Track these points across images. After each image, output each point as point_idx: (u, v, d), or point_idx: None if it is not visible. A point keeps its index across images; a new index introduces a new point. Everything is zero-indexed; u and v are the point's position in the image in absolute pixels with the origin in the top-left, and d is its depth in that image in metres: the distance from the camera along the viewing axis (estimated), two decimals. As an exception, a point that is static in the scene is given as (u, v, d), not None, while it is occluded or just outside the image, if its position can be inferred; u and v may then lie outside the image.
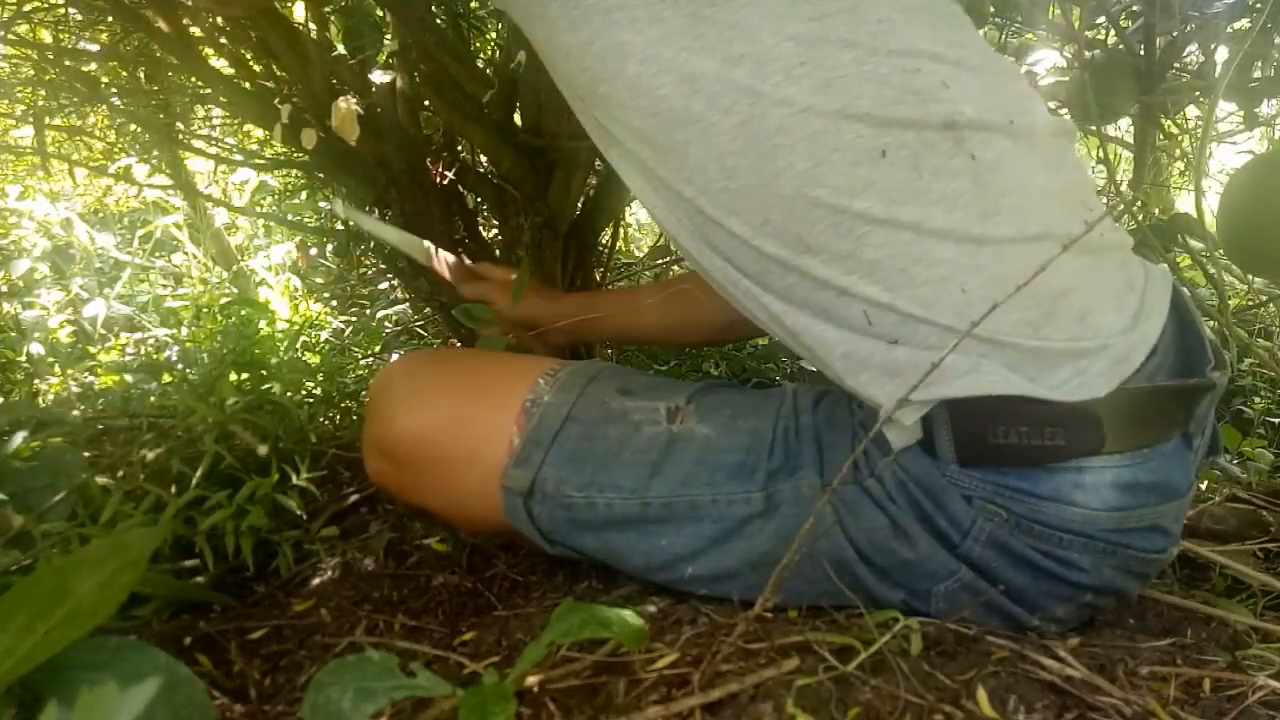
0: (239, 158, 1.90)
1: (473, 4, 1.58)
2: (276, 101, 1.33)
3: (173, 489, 0.94)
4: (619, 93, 0.73)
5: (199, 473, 0.92)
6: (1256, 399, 1.98)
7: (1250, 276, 1.73)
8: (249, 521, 0.89)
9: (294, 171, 2.12)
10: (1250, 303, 2.13)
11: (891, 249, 0.68)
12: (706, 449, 0.80)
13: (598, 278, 1.69)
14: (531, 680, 0.65)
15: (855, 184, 0.68)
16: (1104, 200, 2.60)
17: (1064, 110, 1.66)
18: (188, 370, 1.26)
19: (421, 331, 2.19)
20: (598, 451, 0.82)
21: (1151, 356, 0.71)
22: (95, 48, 1.63)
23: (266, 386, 1.12)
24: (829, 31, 0.69)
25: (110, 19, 1.51)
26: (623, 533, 0.81)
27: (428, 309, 1.99)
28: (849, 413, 0.79)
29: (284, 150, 1.83)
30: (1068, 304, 0.69)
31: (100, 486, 0.88)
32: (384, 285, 2.34)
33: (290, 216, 2.42)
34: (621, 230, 2.45)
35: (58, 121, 1.90)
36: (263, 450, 0.97)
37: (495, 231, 1.70)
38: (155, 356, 2.02)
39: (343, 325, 2.12)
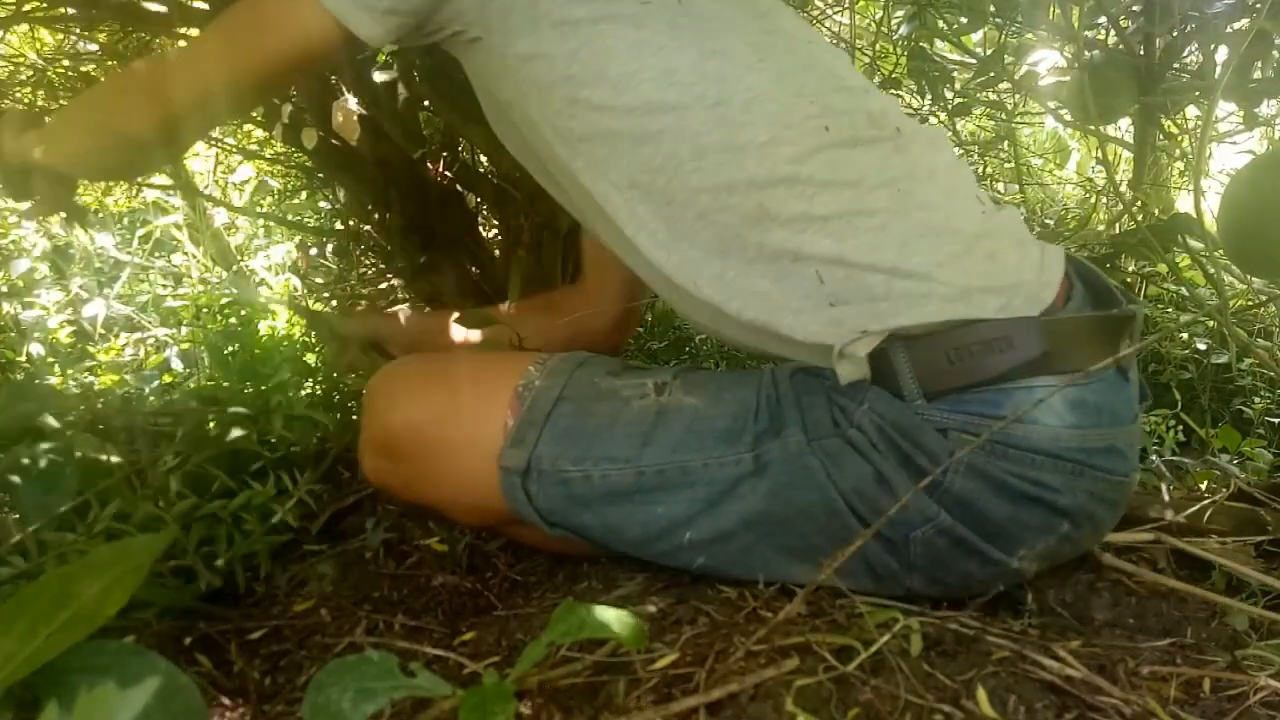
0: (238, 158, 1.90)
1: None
2: (276, 101, 1.33)
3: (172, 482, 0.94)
4: (600, 94, 0.81)
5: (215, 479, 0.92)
6: (1256, 399, 1.98)
7: (1250, 276, 1.73)
8: (244, 547, 0.89)
9: (294, 171, 2.12)
10: (1250, 303, 2.13)
11: (839, 204, 0.79)
12: (695, 417, 0.84)
13: (598, 278, 1.69)
14: (531, 680, 0.65)
15: (805, 152, 0.79)
16: (1102, 200, 2.60)
17: (1064, 110, 1.66)
18: (191, 375, 1.26)
19: (421, 331, 2.18)
20: (590, 427, 0.85)
21: (1070, 299, 0.82)
22: (94, 47, 1.63)
23: (267, 388, 1.12)
24: (775, 42, 0.84)
25: (110, 19, 1.51)
26: (619, 505, 0.83)
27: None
28: (820, 381, 0.83)
29: (284, 150, 1.83)
30: (980, 246, 0.80)
31: (98, 494, 0.87)
32: (384, 285, 2.34)
33: (290, 216, 2.42)
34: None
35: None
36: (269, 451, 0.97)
37: (495, 231, 1.71)
38: (155, 356, 2.02)
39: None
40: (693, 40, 0.81)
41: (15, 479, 0.80)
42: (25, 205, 1.00)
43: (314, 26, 0.83)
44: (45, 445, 0.84)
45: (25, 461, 0.81)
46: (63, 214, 1.03)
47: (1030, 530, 0.77)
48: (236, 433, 0.97)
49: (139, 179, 1.32)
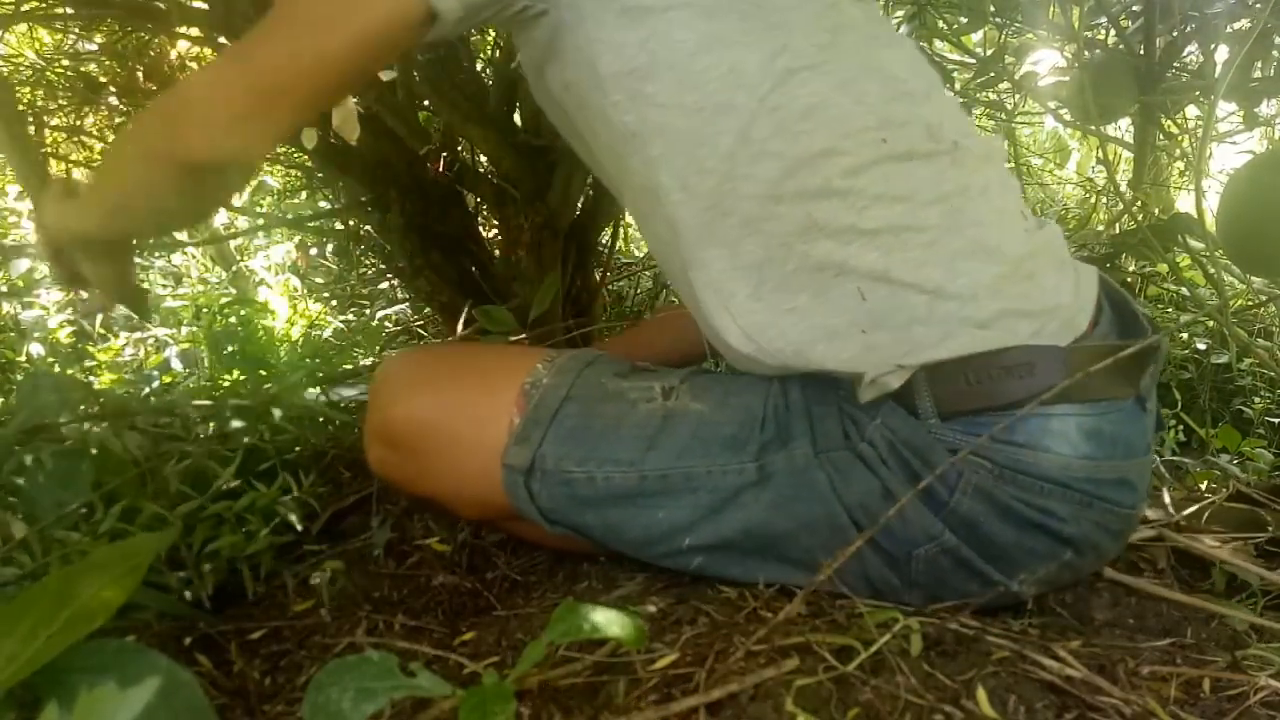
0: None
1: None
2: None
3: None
4: (665, 90, 0.77)
5: (212, 485, 0.92)
6: (1256, 399, 1.98)
7: (1250, 276, 1.73)
8: (251, 546, 0.89)
9: (294, 171, 2.12)
10: (1250, 303, 2.13)
11: (889, 218, 0.77)
12: (701, 423, 0.83)
13: (597, 278, 1.69)
14: (531, 680, 0.65)
15: (860, 165, 0.76)
16: (1102, 200, 2.60)
17: (1064, 110, 1.66)
18: (192, 375, 1.26)
19: (421, 331, 2.19)
20: (595, 428, 0.84)
21: (1097, 326, 0.80)
22: (94, 47, 1.63)
23: (268, 387, 1.12)
24: (841, 41, 0.80)
25: (109, 19, 1.51)
26: (621, 507, 0.83)
27: (428, 309, 1.99)
28: (833, 391, 0.81)
29: (284, 150, 1.83)
30: (1023, 267, 0.78)
31: (103, 498, 0.87)
32: (384, 285, 2.34)
33: (290, 216, 2.42)
34: (621, 230, 2.45)
35: (56, 121, 1.90)
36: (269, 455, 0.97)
37: (495, 231, 1.71)
38: (155, 356, 2.02)
39: (343, 325, 2.12)
40: (762, 36, 0.77)
41: (30, 476, 0.80)
42: (83, 298, 0.88)
43: (399, 5, 0.73)
44: (63, 439, 0.84)
45: (41, 457, 0.81)
46: (122, 303, 0.89)
47: (1033, 556, 0.77)
48: (245, 431, 0.97)
49: (204, 219, 1.13)
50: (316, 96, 0.77)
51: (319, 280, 2.46)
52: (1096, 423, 0.75)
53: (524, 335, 1.27)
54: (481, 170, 1.57)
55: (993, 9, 1.66)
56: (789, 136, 0.76)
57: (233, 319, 1.39)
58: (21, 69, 1.78)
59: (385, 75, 1.34)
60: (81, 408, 0.95)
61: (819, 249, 0.77)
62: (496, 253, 1.58)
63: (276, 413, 1.06)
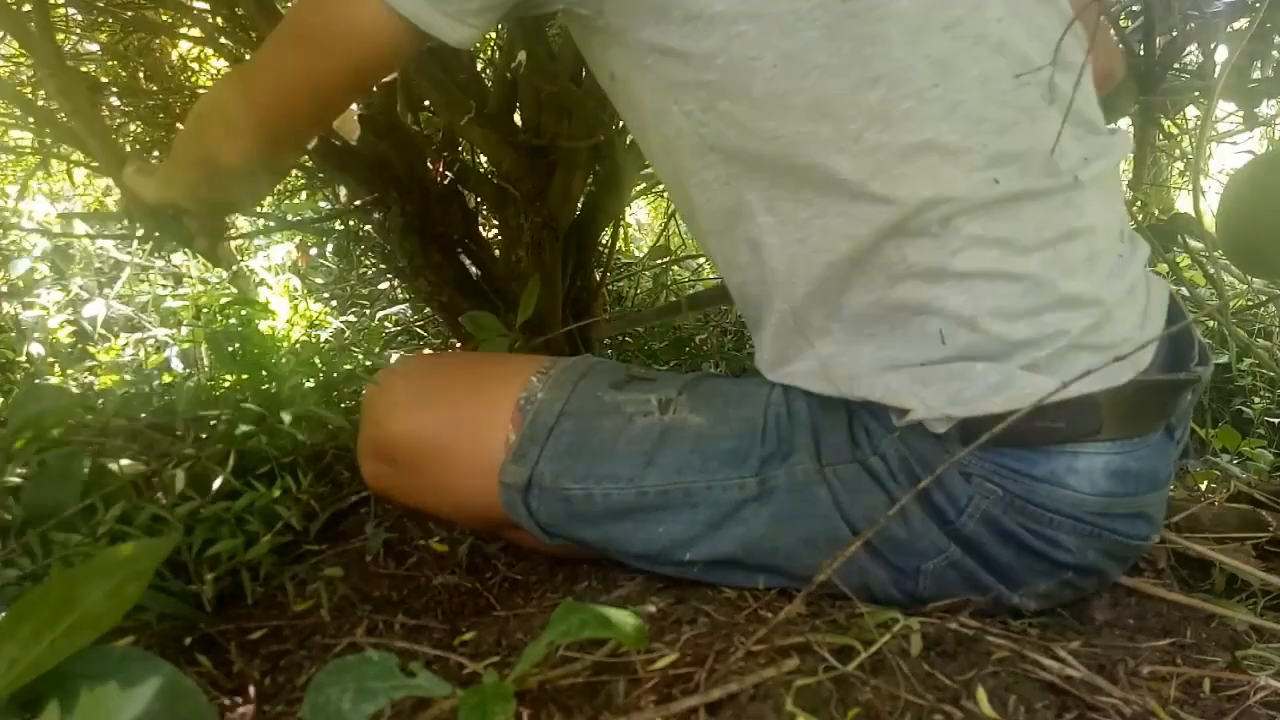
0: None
1: None
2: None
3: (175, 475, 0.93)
4: (741, 111, 0.71)
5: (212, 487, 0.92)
6: (1256, 399, 1.98)
7: (1250, 276, 1.74)
8: (252, 554, 0.88)
9: (294, 171, 2.12)
10: (1250, 303, 2.13)
11: (981, 262, 0.70)
12: (700, 437, 0.82)
13: (598, 278, 1.70)
14: (531, 680, 0.65)
15: (965, 209, 0.70)
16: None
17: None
18: (191, 375, 1.26)
19: (421, 331, 2.19)
20: (593, 444, 0.83)
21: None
22: (95, 47, 1.63)
23: (266, 387, 1.12)
24: (957, 49, 0.69)
25: (110, 19, 1.52)
26: (620, 522, 0.82)
27: (428, 309, 1.99)
28: (842, 399, 0.79)
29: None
30: (1110, 309, 0.73)
31: (101, 497, 0.87)
32: (384, 285, 2.34)
33: (291, 216, 2.42)
34: (621, 230, 2.45)
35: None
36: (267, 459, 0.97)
37: (495, 231, 1.71)
38: (155, 356, 2.02)
39: (343, 325, 2.12)
40: (853, 58, 0.68)
41: (29, 477, 0.80)
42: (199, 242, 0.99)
43: (393, 35, 0.72)
44: (57, 446, 0.84)
45: (37, 463, 0.81)
46: (207, 253, 1.03)
47: (1033, 572, 0.76)
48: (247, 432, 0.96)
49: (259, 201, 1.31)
50: (316, 113, 0.83)
51: (319, 280, 2.46)
52: (1124, 461, 0.73)
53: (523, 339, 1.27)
54: (481, 170, 1.57)
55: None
56: (889, 180, 0.69)
57: (233, 319, 1.39)
58: (22, 69, 1.78)
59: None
60: (99, 403, 0.95)
61: (904, 286, 0.72)
62: (497, 253, 1.58)
63: (279, 414, 1.06)
